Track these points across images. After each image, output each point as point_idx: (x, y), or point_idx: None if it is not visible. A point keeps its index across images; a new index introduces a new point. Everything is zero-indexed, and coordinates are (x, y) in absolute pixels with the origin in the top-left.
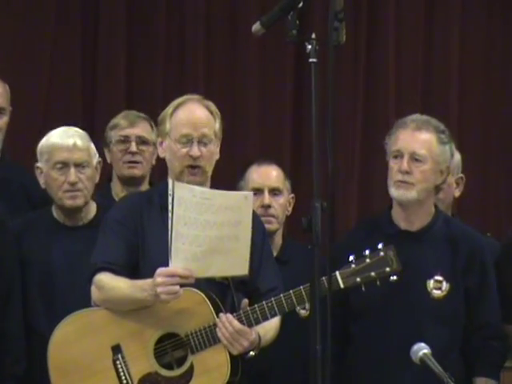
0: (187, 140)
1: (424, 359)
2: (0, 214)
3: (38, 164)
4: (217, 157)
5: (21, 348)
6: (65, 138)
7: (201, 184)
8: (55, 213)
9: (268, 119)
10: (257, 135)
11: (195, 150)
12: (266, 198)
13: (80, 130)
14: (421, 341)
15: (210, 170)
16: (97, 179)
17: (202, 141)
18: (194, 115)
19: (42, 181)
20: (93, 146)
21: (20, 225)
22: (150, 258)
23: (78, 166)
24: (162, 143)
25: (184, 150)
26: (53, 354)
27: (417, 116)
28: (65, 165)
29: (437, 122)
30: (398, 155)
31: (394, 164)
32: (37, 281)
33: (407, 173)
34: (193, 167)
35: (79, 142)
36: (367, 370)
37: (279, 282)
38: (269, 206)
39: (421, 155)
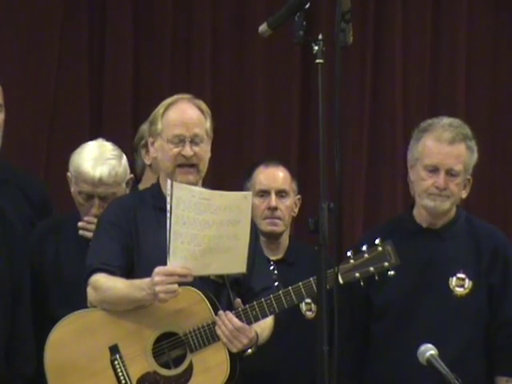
0: (179, 140)
1: (431, 360)
2: (9, 215)
3: (69, 174)
4: (209, 155)
5: (31, 349)
6: (92, 168)
7: (194, 184)
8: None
9: (275, 120)
10: (264, 136)
11: (188, 150)
12: (273, 201)
13: (113, 153)
14: (442, 338)
15: (203, 169)
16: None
17: (194, 140)
18: (185, 115)
19: (72, 189)
20: (122, 170)
21: (47, 226)
22: (144, 259)
23: (103, 198)
24: (153, 143)
25: (176, 150)
26: (50, 355)
27: (446, 123)
28: (89, 196)
29: (464, 128)
30: (433, 170)
31: (427, 177)
32: (70, 280)
33: (444, 189)
34: (186, 166)
35: (105, 175)
36: (389, 369)
37: (272, 281)
38: (275, 209)
39: (457, 171)
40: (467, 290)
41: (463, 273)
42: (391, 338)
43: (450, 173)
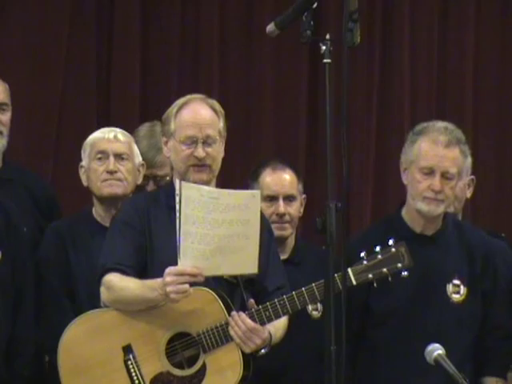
0: (192, 141)
1: (438, 360)
2: (15, 217)
3: (82, 163)
4: (222, 155)
5: (30, 352)
6: (106, 132)
7: (207, 183)
8: (95, 213)
9: (282, 120)
10: (271, 135)
11: (200, 151)
12: (281, 207)
13: (124, 131)
14: (442, 345)
15: (216, 169)
16: (139, 180)
17: (207, 141)
18: (198, 115)
19: (84, 178)
20: (136, 147)
21: (64, 225)
22: (158, 258)
23: (118, 156)
24: (166, 143)
25: (188, 151)
26: (63, 355)
27: (441, 127)
28: (104, 155)
29: (458, 132)
30: (429, 172)
31: (422, 179)
32: (84, 280)
33: (439, 191)
34: (199, 165)
35: (120, 136)
36: (389, 375)
37: (286, 280)
38: (283, 214)
39: (452, 174)
40: (463, 297)
41: (458, 279)
42: (392, 345)
43: (445, 176)
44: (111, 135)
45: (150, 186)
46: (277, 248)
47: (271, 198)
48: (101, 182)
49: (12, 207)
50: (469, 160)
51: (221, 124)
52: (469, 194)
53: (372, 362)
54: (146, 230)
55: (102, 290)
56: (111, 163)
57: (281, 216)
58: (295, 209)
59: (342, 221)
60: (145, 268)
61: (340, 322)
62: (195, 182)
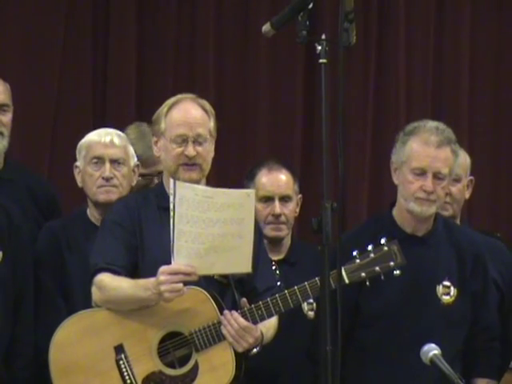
0: (182, 140)
1: (434, 360)
2: (16, 219)
3: (77, 163)
4: (212, 155)
5: (30, 353)
6: (102, 135)
7: (197, 182)
8: (89, 214)
9: (278, 119)
10: (267, 135)
11: (190, 150)
12: (277, 208)
13: (120, 132)
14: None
15: (206, 168)
16: (134, 182)
17: (198, 140)
18: (188, 115)
19: (79, 179)
20: (131, 149)
21: (58, 226)
22: (149, 258)
23: (114, 162)
24: (156, 142)
25: (179, 150)
26: (55, 355)
27: (432, 127)
28: (100, 160)
29: (449, 131)
30: (421, 173)
31: (414, 180)
32: (78, 280)
33: (431, 192)
34: (189, 164)
35: (116, 140)
36: (378, 376)
37: (274, 280)
38: (279, 215)
39: (444, 174)
40: (453, 298)
41: (448, 280)
42: (382, 346)
43: (437, 176)
44: (107, 139)
45: (154, 183)
46: (265, 248)
47: (267, 199)
48: (96, 188)
49: (13, 208)
50: (468, 160)
51: (211, 124)
52: (467, 194)
53: (361, 363)
54: (137, 229)
55: (94, 290)
56: (107, 169)
57: (277, 217)
58: (291, 209)
59: (338, 221)
60: (136, 268)
61: (332, 322)
62: (185, 181)
